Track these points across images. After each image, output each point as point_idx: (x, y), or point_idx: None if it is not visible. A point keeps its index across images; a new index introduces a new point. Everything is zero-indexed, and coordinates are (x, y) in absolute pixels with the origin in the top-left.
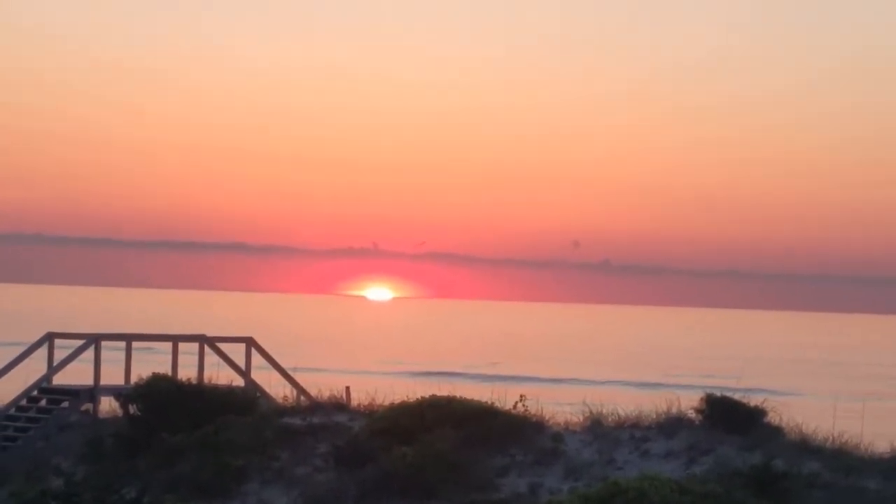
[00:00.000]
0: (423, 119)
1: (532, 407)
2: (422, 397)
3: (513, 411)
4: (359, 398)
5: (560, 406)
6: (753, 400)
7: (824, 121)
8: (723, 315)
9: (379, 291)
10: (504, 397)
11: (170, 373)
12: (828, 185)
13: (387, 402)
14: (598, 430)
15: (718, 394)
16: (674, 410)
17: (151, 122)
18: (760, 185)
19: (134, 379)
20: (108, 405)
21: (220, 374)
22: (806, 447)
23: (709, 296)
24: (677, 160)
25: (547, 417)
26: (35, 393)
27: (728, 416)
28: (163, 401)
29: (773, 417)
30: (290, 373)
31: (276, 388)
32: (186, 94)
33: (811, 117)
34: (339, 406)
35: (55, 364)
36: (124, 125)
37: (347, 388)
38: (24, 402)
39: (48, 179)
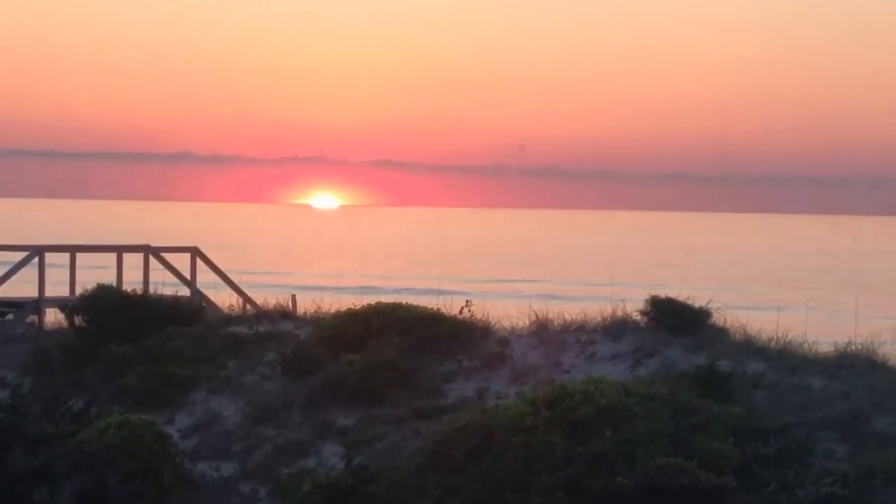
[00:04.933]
0: (364, 24)
1: (478, 312)
2: (368, 304)
3: (459, 317)
4: (305, 307)
5: (506, 311)
6: (698, 302)
7: (772, 28)
8: (668, 218)
9: (325, 199)
10: (450, 304)
11: (115, 284)
12: (766, 89)
13: (333, 311)
14: (544, 333)
15: (663, 296)
16: (619, 314)
17: (89, 30)
18: (709, 89)
19: (79, 290)
20: (53, 317)
21: (165, 285)
22: (750, 348)
23: (656, 199)
24: (622, 63)
25: (493, 322)
26: None
27: (673, 318)
28: (108, 312)
29: (717, 319)
30: (235, 282)
31: (222, 298)
32: (129, 5)
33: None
34: (284, 314)
35: None
36: (62, 32)
37: (293, 297)
38: None
39: None
